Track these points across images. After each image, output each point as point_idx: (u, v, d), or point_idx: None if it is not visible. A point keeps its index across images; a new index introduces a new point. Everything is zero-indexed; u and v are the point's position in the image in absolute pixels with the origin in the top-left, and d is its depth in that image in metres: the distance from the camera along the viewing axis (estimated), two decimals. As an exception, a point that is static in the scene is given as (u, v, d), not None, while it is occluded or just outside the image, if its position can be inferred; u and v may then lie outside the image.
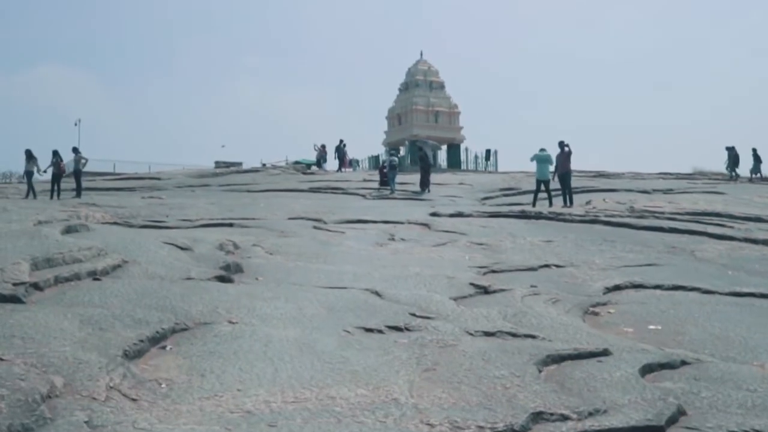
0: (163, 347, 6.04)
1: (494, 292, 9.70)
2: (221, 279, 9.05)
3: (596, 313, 9.15)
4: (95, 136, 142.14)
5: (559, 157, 23.77)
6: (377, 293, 8.89)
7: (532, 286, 10.16)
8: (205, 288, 8.22)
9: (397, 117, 68.39)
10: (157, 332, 6.23)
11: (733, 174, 37.61)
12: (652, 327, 8.51)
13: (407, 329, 7.22)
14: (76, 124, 73.05)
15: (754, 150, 37.86)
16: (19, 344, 5.51)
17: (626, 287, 10.74)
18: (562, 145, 23.75)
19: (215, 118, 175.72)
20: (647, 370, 6.45)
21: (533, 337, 7.30)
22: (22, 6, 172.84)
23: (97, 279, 8.21)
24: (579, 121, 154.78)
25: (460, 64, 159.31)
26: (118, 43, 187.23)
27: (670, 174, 41.14)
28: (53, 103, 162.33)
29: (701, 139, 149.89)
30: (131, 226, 15.53)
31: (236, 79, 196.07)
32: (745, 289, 10.59)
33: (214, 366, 5.57)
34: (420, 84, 67.22)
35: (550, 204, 23.41)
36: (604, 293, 10.30)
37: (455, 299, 9.08)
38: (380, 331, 7.07)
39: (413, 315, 7.78)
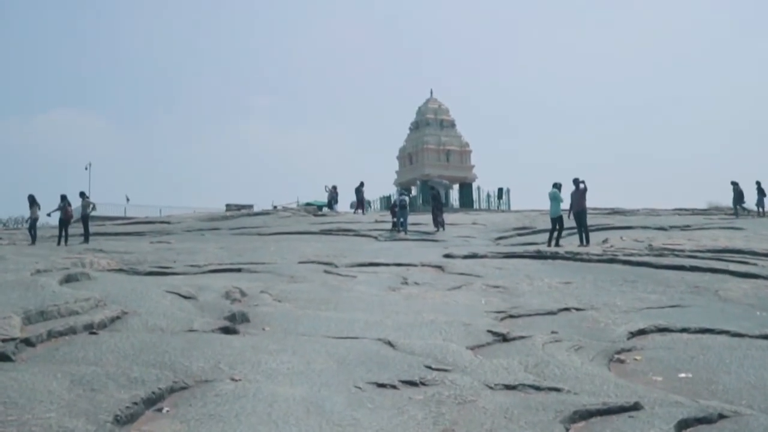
0: (159, 409, 5.60)
1: (513, 339, 9.23)
2: (226, 330, 8.61)
3: (622, 361, 8.67)
4: (106, 180, 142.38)
5: (573, 194, 23.24)
6: (390, 343, 8.43)
7: (552, 332, 9.68)
8: (208, 341, 7.77)
9: (408, 156, 68.19)
10: (153, 393, 5.78)
11: (738, 209, 37.16)
12: (682, 375, 8.02)
13: (422, 384, 6.77)
14: (86, 168, 73.01)
15: (758, 183, 37.45)
16: (0, 410, 5.07)
17: (651, 331, 10.26)
18: (576, 182, 23.22)
19: (226, 160, 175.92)
20: (683, 425, 6.02)
21: (558, 390, 6.84)
22: (33, 51, 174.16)
23: (94, 333, 7.78)
24: (591, 157, 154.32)
25: (470, 101, 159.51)
26: (128, 87, 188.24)
27: (686, 210, 40.69)
28: (64, 148, 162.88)
29: (714, 173, 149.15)
30: (137, 273, 15.14)
31: (247, 120, 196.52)
32: (776, 332, 10.09)
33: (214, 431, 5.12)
34: (431, 123, 67.08)
35: (555, 243, 22.87)
36: (629, 338, 9.82)
37: (472, 348, 8.62)
38: (394, 387, 6.62)
39: (428, 367, 7.33)
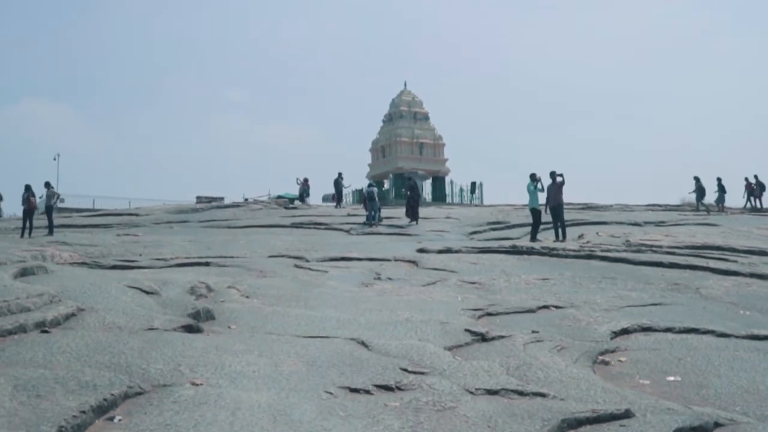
0: (111, 418, 5.08)
1: (493, 339, 8.78)
2: (188, 329, 8.07)
3: (606, 362, 8.27)
4: (76, 172, 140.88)
5: (550, 188, 22.79)
6: (363, 343, 7.96)
7: (533, 332, 9.27)
8: (169, 340, 7.24)
9: (381, 149, 67.61)
10: (105, 399, 5.26)
11: (699, 204, 37.69)
12: (671, 379, 7.65)
13: (399, 388, 6.31)
14: (54, 159, 71.97)
15: (719, 180, 38.10)
16: (-71, 422, 4.56)
17: (635, 331, 9.90)
18: (553, 175, 22.78)
19: (198, 152, 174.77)
20: (678, 435, 5.59)
21: (543, 395, 6.41)
22: (3, 42, 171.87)
23: (46, 331, 7.22)
24: (564, 152, 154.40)
25: (444, 94, 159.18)
26: (100, 78, 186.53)
27: (659, 205, 40.51)
28: (33, 138, 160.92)
29: (687, 169, 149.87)
30: (100, 266, 14.58)
31: (219, 113, 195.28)
32: (764, 332, 9.77)
33: (169, 444, 4.64)
34: (404, 115, 66.48)
35: (532, 238, 22.50)
36: (612, 338, 9.45)
37: (451, 349, 8.17)
38: (368, 392, 6.16)
39: (404, 370, 6.86)
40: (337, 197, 44.22)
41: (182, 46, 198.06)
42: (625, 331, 9.78)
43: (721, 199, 37.95)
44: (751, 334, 9.65)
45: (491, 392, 6.42)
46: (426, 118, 67.86)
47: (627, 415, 5.95)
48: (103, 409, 5.15)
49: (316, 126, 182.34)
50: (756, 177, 38.66)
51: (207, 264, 15.43)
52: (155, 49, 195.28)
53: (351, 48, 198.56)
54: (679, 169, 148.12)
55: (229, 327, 8.70)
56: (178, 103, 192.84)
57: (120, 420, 5.05)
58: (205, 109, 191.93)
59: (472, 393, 6.36)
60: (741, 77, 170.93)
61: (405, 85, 70.15)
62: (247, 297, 11.02)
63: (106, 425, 4.97)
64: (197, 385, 5.87)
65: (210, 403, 5.40)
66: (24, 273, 10.56)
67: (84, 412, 4.95)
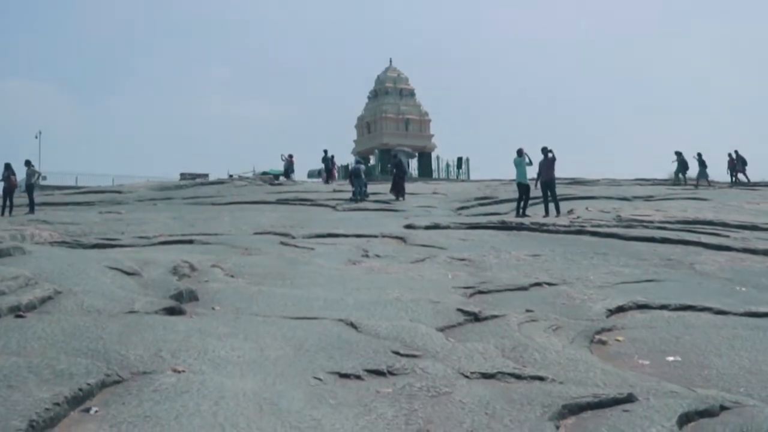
0: (87, 410, 4.76)
1: (486, 319, 8.50)
2: (170, 311, 7.74)
3: (603, 342, 8.00)
4: (58, 150, 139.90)
5: (542, 163, 22.56)
6: (353, 324, 7.66)
7: (527, 311, 8.98)
8: (150, 324, 6.91)
9: (366, 125, 67.28)
10: (81, 389, 4.94)
11: (680, 178, 38.17)
12: (670, 359, 7.39)
13: (391, 373, 6.01)
14: (36, 137, 71.34)
15: (699, 155, 38.27)
16: None
17: (630, 308, 9.65)
18: (545, 151, 22.53)
19: (181, 129, 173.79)
20: (684, 420, 5.37)
21: (541, 378, 6.14)
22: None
23: (20, 316, 6.87)
24: (551, 126, 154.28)
25: (429, 70, 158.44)
26: (82, 56, 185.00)
27: (647, 180, 40.38)
28: (14, 117, 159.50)
29: (671, 145, 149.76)
30: (81, 245, 14.21)
31: (204, 90, 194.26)
32: (762, 309, 9.56)
33: (148, 437, 4.34)
34: (390, 91, 66.14)
35: (522, 213, 22.28)
36: (608, 316, 9.20)
37: (443, 330, 7.89)
38: (358, 377, 5.86)
39: (396, 353, 6.56)
40: (328, 173, 43.49)
41: (164, 23, 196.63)
42: (620, 309, 9.53)
43: (702, 174, 38.04)
44: (749, 311, 9.43)
45: (487, 376, 6.14)
46: (412, 94, 67.54)
47: (630, 399, 5.68)
48: (78, 400, 4.83)
49: (301, 102, 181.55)
50: (736, 152, 38.68)
51: (191, 242, 15.08)
52: (137, 26, 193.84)
53: (336, 24, 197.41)
54: (664, 144, 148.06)
55: (213, 308, 8.38)
56: (162, 80, 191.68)
57: (96, 411, 4.74)
58: (188, 86, 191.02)
59: (467, 377, 6.08)
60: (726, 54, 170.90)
61: (390, 61, 69.86)
62: (232, 276, 10.70)
63: (81, 417, 4.66)
64: (179, 372, 5.56)
65: (192, 391, 5.09)
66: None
67: (58, 404, 4.64)
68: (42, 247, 12.56)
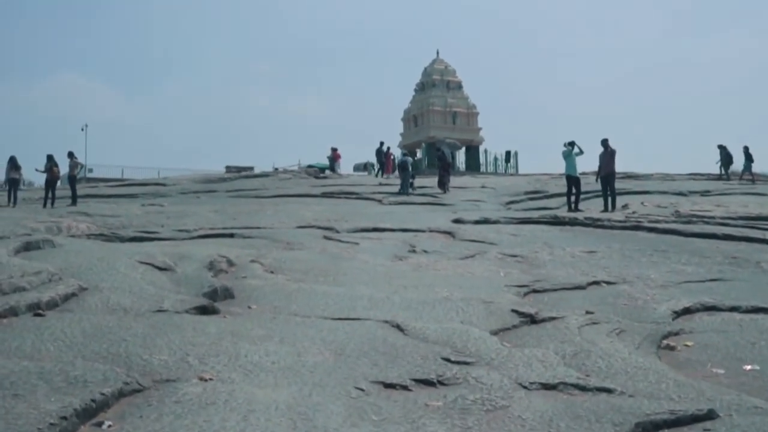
0: (99, 423, 4.22)
1: (543, 321, 7.86)
2: (203, 310, 7.19)
3: (672, 348, 7.32)
4: (105, 143, 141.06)
5: (602, 156, 21.84)
6: (399, 327, 7.06)
7: (587, 312, 8.31)
8: (178, 325, 6.37)
9: (413, 118, 66.65)
10: (94, 400, 4.39)
11: (724, 173, 37.36)
12: (747, 367, 6.68)
13: (441, 383, 5.40)
14: (82, 129, 71.56)
15: (746, 148, 37.14)
16: None
17: (697, 310, 8.94)
18: (605, 143, 21.80)
19: (228, 123, 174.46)
20: (774, 442, 4.67)
21: (608, 391, 5.48)
22: (37, 16, 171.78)
23: (39, 314, 6.37)
24: (602, 122, 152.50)
25: (477, 62, 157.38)
26: (128, 49, 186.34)
27: (701, 175, 39.29)
28: (62, 109, 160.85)
29: (720, 139, 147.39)
30: (119, 238, 13.78)
31: (250, 84, 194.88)
32: (842, 312, 8.76)
33: (164, 460, 3.78)
34: (437, 84, 65.43)
35: (574, 207, 21.57)
36: (674, 318, 8.49)
37: (497, 333, 7.26)
38: (405, 388, 5.25)
39: (447, 360, 5.95)
40: (382, 166, 42.26)
41: (211, 18, 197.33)
42: (687, 311, 8.83)
43: (747, 168, 37.07)
44: (828, 314, 8.69)
45: (548, 387, 5.51)
46: (459, 86, 66.80)
47: (710, 415, 5.01)
48: (90, 412, 4.29)
49: (348, 96, 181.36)
50: None
51: (231, 235, 14.61)
52: (185, 21, 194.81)
53: (383, 16, 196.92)
54: (713, 139, 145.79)
55: (249, 307, 7.83)
56: (209, 74, 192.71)
57: (110, 426, 4.19)
58: (235, 80, 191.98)
59: (526, 388, 5.45)
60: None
61: (437, 53, 69.12)
62: (272, 272, 10.15)
63: (92, 432, 4.12)
64: (206, 380, 5.00)
65: (219, 403, 4.53)
66: (27, 247, 9.71)
67: (65, 417, 4.10)
68: (74, 240, 12.13)
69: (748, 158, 37.01)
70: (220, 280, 8.97)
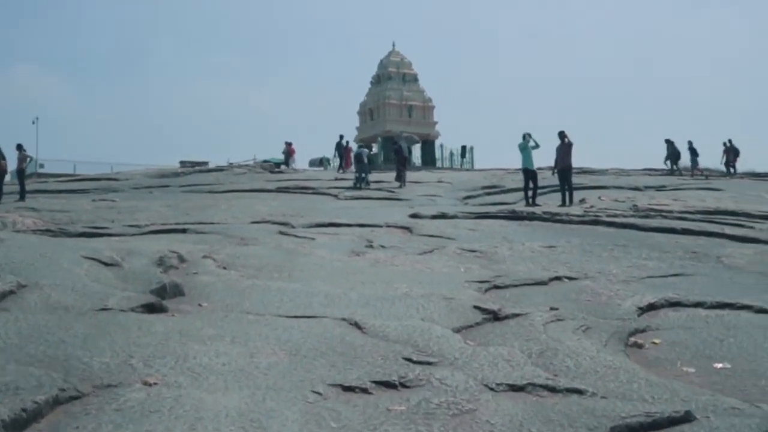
0: (30, 436, 3.85)
1: (507, 317, 7.58)
2: (150, 308, 6.80)
3: (640, 345, 7.08)
4: (57, 137, 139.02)
5: (558, 149, 21.66)
6: (357, 325, 6.74)
7: (552, 309, 8.05)
8: (123, 324, 5.98)
9: (369, 112, 66.29)
10: (25, 409, 4.02)
11: (674, 168, 37.89)
12: (718, 365, 6.46)
13: (403, 385, 5.09)
14: (33, 123, 70.25)
15: (690, 143, 38.00)
16: None
17: (662, 306, 8.71)
18: (562, 135, 21.61)
19: (183, 117, 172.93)
20: (759, 448, 4.44)
21: (579, 392, 5.20)
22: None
23: (-27, 314, 5.97)
24: (558, 115, 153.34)
25: (433, 55, 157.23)
26: (81, 41, 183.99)
27: (656, 170, 39.49)
28: (12, 101, 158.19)
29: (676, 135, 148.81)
30: (67, 234, 13.31)
31: (205, 78, 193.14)
32: (807, 307, 8.58)
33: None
34: (393, 77, 65.11)
35: (531, 201, 21.43)
36: (639, 315, 8.27)
37: (459, 330, 6.98)
38: (365, 390, 4.93)
39: (408, 360, 5.64)
40: (342, 160, 41.57)
41: (167, 10, 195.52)
42: (651, 307, 8.61)
43: (694, 163, 37.76)
44: (794, 309, 8.50)
45: (516, 388, 5.22)
46: (415, 79, 66.54)
47: (687, 418, 4.75)
48: (20, 423, 3.92)
49: (304, 90, 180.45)
50: (730, 141, 37.74)
51: (184, 231, 14.19)
52: (139, 12, 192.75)
53: (338, 9, 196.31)
54: (663, 134, 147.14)
55: (200, 305, 7.45)
56: (164, 67, 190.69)
57: (42, 438, 3.82)
58: (190, 73, 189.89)
59: (492, 390, 5.15)
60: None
61: (393, 45, 68.76)
62: (224, 268, 9.76)
63: (21, 447, 3.75)
64: (150, 385, 4.63)
65: (164, 410, 4.18)
66: (-35, 244, 9.26)
67: (-12, 431, 3.73)
68: (18, 236, 11.61)
69: (693, 153, 37.66)
70: (169, 276, 8.58)
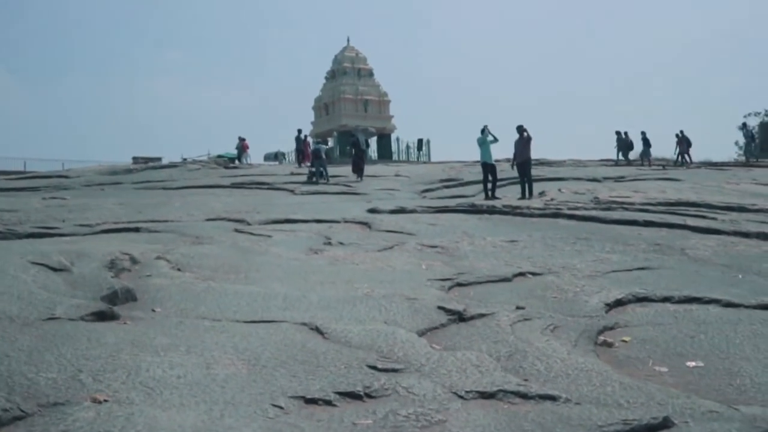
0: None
1: (472, 318, 7.36)
2: (100, 316, 6.44)
3: (609, 344, 6.90)
4: (6, 135, 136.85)
5: (517, 143, 21.59)
6: (318, 329, 6.46)
7: (518, 308, 7.85)
8: (71, 334, 5.64)
9: (324, 107, 65.88)
10: (-40, 434, 3.71)
11: (626, 160, 38.72)
12: (691, 364, 6.30)
13: (368, 396, 4.83)
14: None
15: (643, 133, 38.62)
16: None
17: (629, 301, 8.59)
18: (520, 129, 21.54)
19: (134, 113, 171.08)
20: (741, 454, 4.25)
21: (552, 398, 4.99)
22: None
23: None
24: (514, 106, 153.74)
25: (388, 50, 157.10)
26: (30, 39, 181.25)
27: (612, 161, 39.63)
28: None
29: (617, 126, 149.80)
30: (15, 235, 12.85)
31: (157, 74, 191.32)
32: (775, 300, 8.46)
33: None
34: (348, 72, 64.71)
35: (491, 195, 21.31)
36: (606, 311, 8.09)
37: (424, 333, 6.74)
38: (329, 403, 4.67)
39: (373, 368, 5.37)
40: (301, 154, 40.97)
41: (117, 5, 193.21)
42: (619, 303, 8.46)
43: (646, 153, 38.47)
44: (763, 303, 8.36)
45: (486, 395, 4.99)
46: (370, 74, 66.22)
47: (666, 424, 4.56)
48: (-45, 451, 3.61)
49: (257, 84, 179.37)
50: (682, 132, 37.97)
51: (137, 230, 13.78)
52: (88, 8, 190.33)
53: (292, 3, 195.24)
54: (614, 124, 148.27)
55: (153, 310, 7.11)
56: (115, 64, 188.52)
57: (-19, 466, 3.52)
58: (143, 69, 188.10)
59: (462, 398, 4.91)
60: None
61: (348, 40, 68.36)
62: (179, 269, 9.41)
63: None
64: (100, 402, 4.32)
65: (114, 430, 3.88)
66: None
67: (-77, 458, 3.41)
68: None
69: (646, 143, 38.25)
70: (121, 280, 8.23)
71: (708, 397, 5.31)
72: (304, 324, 6.63)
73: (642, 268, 10.62)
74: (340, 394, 4.79)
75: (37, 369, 4.79)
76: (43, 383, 4.57)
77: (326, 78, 67.63)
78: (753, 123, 52.21)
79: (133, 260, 9.58)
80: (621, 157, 38.51)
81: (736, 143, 42.94)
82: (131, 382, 4.69)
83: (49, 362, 4.94)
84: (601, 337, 7.06)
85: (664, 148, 39.86)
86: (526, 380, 5.40)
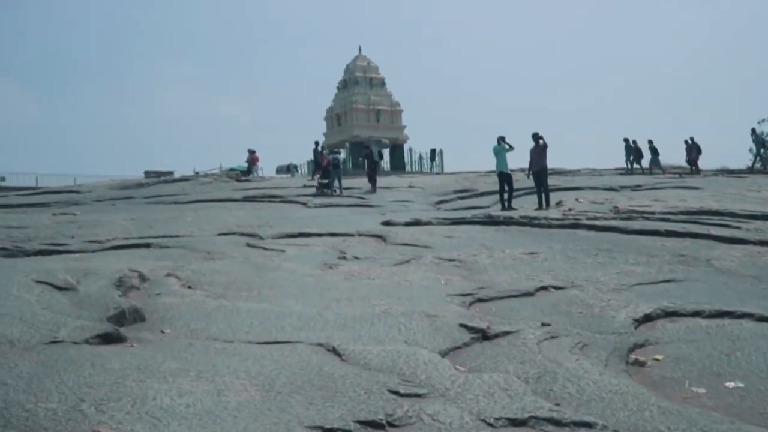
0: None
1: (497, 336, 7.03)
2: (106, 338, 6.13)
3: (642, 363, 6.56)
4: (18, 150, 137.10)
5: (532, 151, 21.14)
6: (335, 350, 6.15)
7: (543, 324, 7.50)
8: (75, 360, 5.32)
9: (336, 117, 65.53)
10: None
11: (633, 167, 38.25)
12: (730, 385, 5.94)
13: (391, 425, 4.50)
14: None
15: (650, 142, 38.19)
16: None
17: (658, 316, 8.23)
18: (536, 137, 21.08)
19: (147, 127, 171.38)
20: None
21: (588, 425, 4.66)
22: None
23: None
24: (528, 116, 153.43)
25: (400, 59, 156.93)
26: (42, 52, 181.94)
27: (623, 169, 39.22)
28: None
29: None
30: (24, 252, 12.59)
31: (169, 87, 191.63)
32: (811, 314, 8.10)
33: None
34: (359, 81, 64.33)
35: (507, 205, 20.94)
36: (636, 327, 7.73)
37: (447, 353, 6.42)
38: (349, 433, 4.32)
39: (395, 393, 5.03)
40: (318, 166, 40.50)
41: (129, 19, 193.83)
42: (647, 318, 8.13)
43: (655, 162, 37.98)
44: (799, 317, 8.00)
45: (517, 423, 4.66)
46: (382, 83, 65.83)
47: (713, 456, 4.21)
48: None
49: (270, 96, 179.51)
50: (692, 139, 37.48)
51: (147, 246, 13.49)
52: (101, 22, 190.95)
53: (304, 13, 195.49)
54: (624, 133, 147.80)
55: (162, 331, 6.80)
56: (127, 76, 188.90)
57: None
58: (154, 82, 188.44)
59: (491, 425, 4.58)
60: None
61: (360, 50, 67.92)
62: (189, 287, 9.10)
63: None
64: (102, 436, 4.00)
65: (117, 469, 3.56)
66: None
67: None
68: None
69: (654, 152, 37.87)
70: (129, 299, 7.91)
71: (753, 422, 4.98)
72: (321, 345, 6.32)
73: (668, 281, 10.27)
74: (360, 423, 4.46)
75: (36, 399, 4.47)
76: (42, 415, 4.25)
77: (338, 88, 67.29)
78: (767, 129, 51.63)
79: (143, 278, 9.29)
80: (635, 165, 38.06)
81: (750, 150, 42.27)
82: (136, 412, 4.37)
83: (50, 391, 4.62)
84: (633, 356, 6.73)
85: (674, 155, 39.40)
86: (558, 405, 5.06)
